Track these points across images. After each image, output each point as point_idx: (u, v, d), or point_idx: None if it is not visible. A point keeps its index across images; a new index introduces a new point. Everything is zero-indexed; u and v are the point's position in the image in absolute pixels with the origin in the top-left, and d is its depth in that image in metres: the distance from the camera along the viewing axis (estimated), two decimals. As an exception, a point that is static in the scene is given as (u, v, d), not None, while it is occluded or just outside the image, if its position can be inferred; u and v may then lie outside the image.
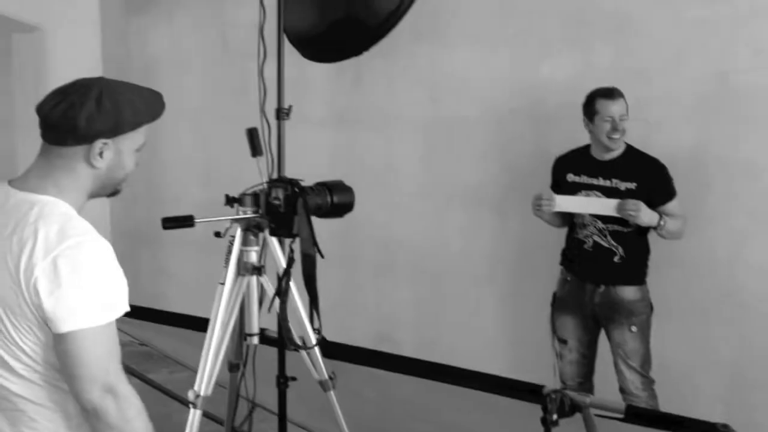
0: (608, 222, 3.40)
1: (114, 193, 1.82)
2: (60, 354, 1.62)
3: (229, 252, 2.69)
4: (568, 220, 3.57)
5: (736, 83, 3.42)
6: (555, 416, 2.33)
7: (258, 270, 2.73)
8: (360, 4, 3.14)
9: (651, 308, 3.44)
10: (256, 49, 2.88)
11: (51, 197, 1.67)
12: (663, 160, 3.40)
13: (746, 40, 3.39)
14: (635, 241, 3.42)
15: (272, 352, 2.94)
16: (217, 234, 2.65)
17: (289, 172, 2.83)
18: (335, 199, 2.69)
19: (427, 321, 4.51)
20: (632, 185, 3.37)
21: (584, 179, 3.48)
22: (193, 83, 5.50)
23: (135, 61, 5.97)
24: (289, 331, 2.60)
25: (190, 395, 2.57)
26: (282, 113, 2.86)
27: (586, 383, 3.59)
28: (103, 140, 1.69)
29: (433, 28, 4.28)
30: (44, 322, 1.61)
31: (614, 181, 3.41)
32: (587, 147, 3.53)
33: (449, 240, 4.39)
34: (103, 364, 1.62)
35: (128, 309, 1.68)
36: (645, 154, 3.43)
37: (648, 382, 3.43)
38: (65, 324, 1.59)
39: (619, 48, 3.72)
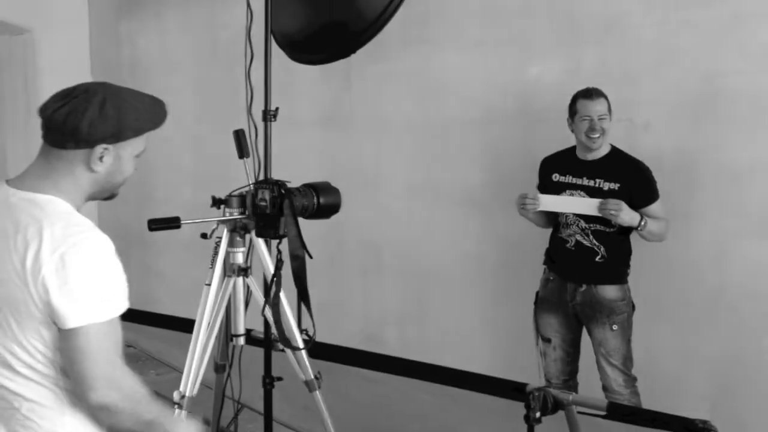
0: (591, 222, 3.42)
1: (111, 196, 1.84)
2: (67, 350, 1.63)
3: (216, 253, 2.71)
4: (553, 220, 3.59)
5: (722, 85, 3.44)
6: (538, 414, 2.36)
7: (244, 271, 2.74)
8: (346, 7, 3.14)
9: (632, 307, 3.47)
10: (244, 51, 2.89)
11: (51, 196, 1.69)
12: (649, 162, 3.43)
13: (732, 43, 3.41)
14: (617, 242, 3.44)
15: (258, 352, 2.95)
16: (204, 235, 2.67)
17: (277, 174, 2.83)
18: (321, 201, 2.71)
19: (413, 321, 4.53)
20: (615, 186, 3.39)
21: (569, 179, 3.50)
22: (182, 85, 5.49)
23: (124, 62, 5.97)
24: (283, 332, 2.62)
25: (176, 396, 2.58)
26: (268, 115, 2.87)
27: (570, 381, 3.62)
28: (104, 145, 1.70)
29: (421, 31, 4.29)
30: (51, 319, 1.62)
31: (598, 181, 3.43)
32: (573, 148, 3.56)
33: (435, 241, 4.40)
34: (111, 357, 1.64)
35: (128, 304, 1.70)
36: (629, 155, 3.46)
37: (630, 380, 3.46)
38: (74, 319, 1.60)
39: (607, 50, 3.73)
